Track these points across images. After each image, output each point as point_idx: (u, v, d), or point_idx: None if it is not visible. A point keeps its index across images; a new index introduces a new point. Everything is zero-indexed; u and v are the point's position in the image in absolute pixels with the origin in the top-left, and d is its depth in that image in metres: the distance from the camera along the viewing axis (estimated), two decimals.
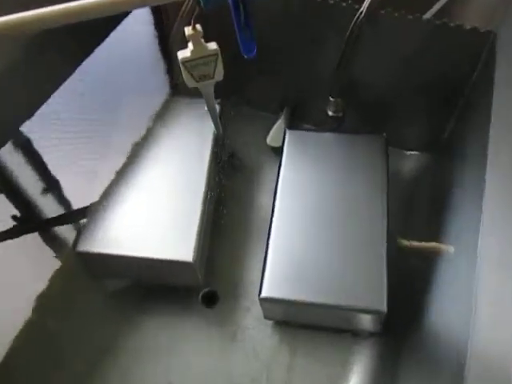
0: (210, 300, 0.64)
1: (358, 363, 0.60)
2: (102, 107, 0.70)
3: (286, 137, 0.70)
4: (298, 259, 0.58)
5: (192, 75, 0.48)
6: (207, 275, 0.64)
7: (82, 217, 0.62)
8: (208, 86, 0.50)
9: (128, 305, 0.65)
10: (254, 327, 0.63)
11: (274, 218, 0.61)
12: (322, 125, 0.72)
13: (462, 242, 0.47)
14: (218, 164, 0.71)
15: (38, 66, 0.57)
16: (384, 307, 0.53)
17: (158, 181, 0.66)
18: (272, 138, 0.77)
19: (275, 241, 0.59)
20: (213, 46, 0.47)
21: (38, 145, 0.62)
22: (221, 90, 0.52)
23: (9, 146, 0.57)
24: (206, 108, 0.53)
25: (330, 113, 0.69)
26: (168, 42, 0.72)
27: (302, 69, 0.72)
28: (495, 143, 0.44)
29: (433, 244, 0.56)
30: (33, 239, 0.62)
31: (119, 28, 0.65)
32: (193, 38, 0.46)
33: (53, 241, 0.65)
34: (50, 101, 0.59)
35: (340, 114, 0.69)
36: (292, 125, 0.76)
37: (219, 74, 0.48)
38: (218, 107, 0.58)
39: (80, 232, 0.61)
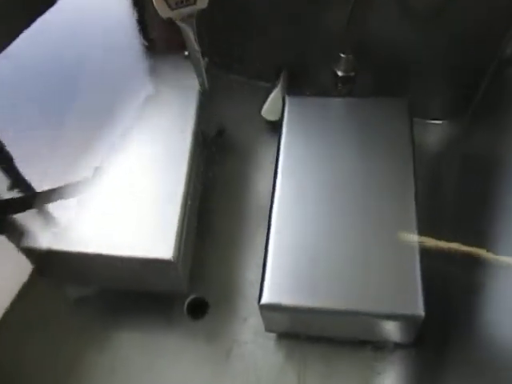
0: (198, 309, 0.60)
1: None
2: (64, 65, 0.67)
3: (286, 105, 0.63)
4: (305, 256, 0.53)
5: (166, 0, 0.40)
6: (193, 278, 0.60)
7: (28, 206, 0.58)
8: (188, 21, 0.43)
9: (95, 316, 0.61)
10: (254, 342, 0.58)
11: (274, 207, 0.56)
12: (328, 92, 0.66)
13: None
14: (204, 142, 0.66)
15: None
16: (421, 311, 0.48)
17: (128, 162, 0.61)
18: (268, 110, 0.71)
19: (277, 235, 0.54)
20: None
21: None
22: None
23: None
24: (186, 53, 0.49)
25: (340, 72, 0.62)
26: None
27: (302, 22, 0.67)
28: None
29: (454, 245, 0.52)
30: None
31: None
32: None
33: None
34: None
35: (352, 74, 0.62)
36: (292, 93, 0.70)
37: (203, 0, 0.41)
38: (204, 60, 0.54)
39: (24, 225, 0.57)
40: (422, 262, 0.51)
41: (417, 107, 0.64)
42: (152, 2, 0.42)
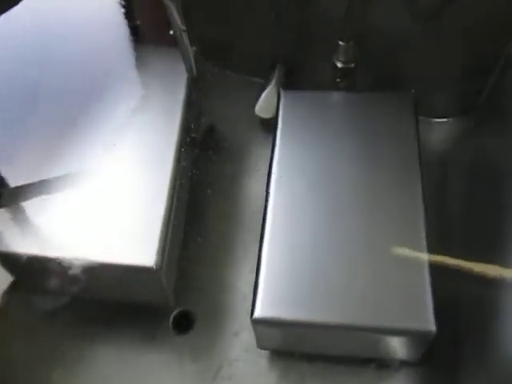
0: (184, 323, 0.59)
1: None
2: (44, 57, 0.65)
3: (281, 101, 0.61)
4: (303, 266, 0.51)
5: None
6: (179, 289, 0.59)
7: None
8: None
9: (69, 330, 0.59)
10: (245, 360, 0.57)
11: (268, 213, 0.54)
12: (326, 87, 0.64)
13: None
14: (193, 140, 0.64)
15: None
16: (432, 326, 0.46)
17: (108, 161, 0.59)
18: (262, 107, 0.70)
19: (271, 242, 0.52)
20: None
21: None
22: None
23: None
24: (170, 32, 0.48)
25: (339, 64, 0.59)
26: None
27: (296, 8, 0.64)
28: None
29: (465, 263, 0.51)
30: None
31: None
32: None
33: None
34: None
35: (352, 65, 0.59)
36: (287, 89, 0.68)
37: None
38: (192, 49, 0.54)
39: None
40: (431, 274, 0.49)
41: (420, 104, 0.62)
42: None
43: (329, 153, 0.57)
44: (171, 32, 0.48)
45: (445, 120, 0.69)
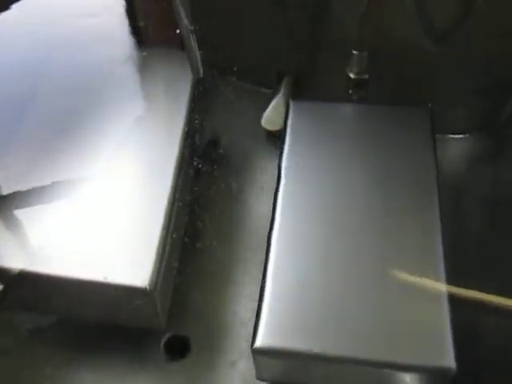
0: (177, 349, 0.57)
1: None
2: (45, 59, 0.65)
3: (290, 112, 0.59)
4: (309, 292, 0.49)
5: None
6: (173, 312, 0.57)
7: None
8: None
9: (53, 352, 0.57)
10: None
11: (274, 232, 0.53)
12: (337, 99, 0.63)
13: None
14: (195, 153, 0.64)
15: None
16: (451, 363, 0.44)
17: (103, 171, 0.58)
18: (269, 119, 0.68)
19: (276, 265, 0.50)
20: None
21: None
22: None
23: None
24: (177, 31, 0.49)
25: (352, 74, 0.58)
26: None
27: (308, 19, 0.64)
28: None
29: (479, 294, 0.48)
30: None
31: None
32: None
33: None
34: None
35: (365, 77, 0.59)
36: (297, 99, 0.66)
37: None
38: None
39: None
40: (450, 305, 0.47)
41: (436, 119, 0.60)
42: None
43: (340, 170, 0.55)
44: (177, 31, 0.48)
45: (461, 136, 0.68)
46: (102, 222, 0.54)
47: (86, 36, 0.67)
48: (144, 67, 0.66)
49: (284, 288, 0.49)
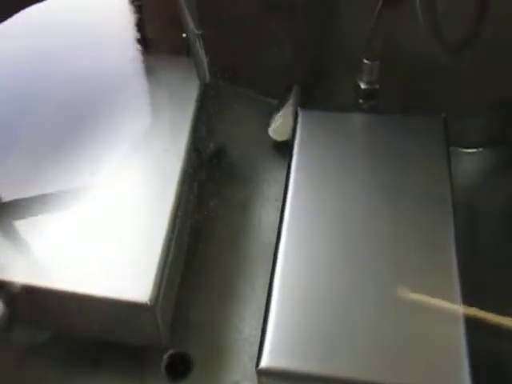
0: (179, 368, 0.55)
1: None
2: (54, 67, 0.65)
3: (299, 121, 0.59)
4: (317, 310, 0.47)
5: None
6: (175, 329, 0.56)
7: None
8: None
9: (49, 370, 0.56)
10: None
11: (280, 247, 0.52)
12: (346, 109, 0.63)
13: None
14: (200, 163, 0.63)
15: None
16: None
17: (104, 182, 0.57)
18: (276, 129, 0.68)
19: (283, 281, 0.49)
20: None
21: None
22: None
23: None
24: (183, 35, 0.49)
25: (363, 84, 0.58)
26: None
27: (318, 28, 0.64)
28: None
29: (496, 317, 0.48)
30: None
31: None
32: None
33: None
34: None
35: (376, 87, 0.58)
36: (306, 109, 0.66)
37: None
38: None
39: None
40: (467, 327, 0.45)
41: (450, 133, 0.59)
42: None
43: (349, 182, 0.55)
44: (184, 35, 0.48)
45: (475, 150, 0.67)
46: (102, 236, 0.53)
47: (92, 42, 0.67)
48: (150, 74, 0.66)
49: (291, 305, 0.48)
